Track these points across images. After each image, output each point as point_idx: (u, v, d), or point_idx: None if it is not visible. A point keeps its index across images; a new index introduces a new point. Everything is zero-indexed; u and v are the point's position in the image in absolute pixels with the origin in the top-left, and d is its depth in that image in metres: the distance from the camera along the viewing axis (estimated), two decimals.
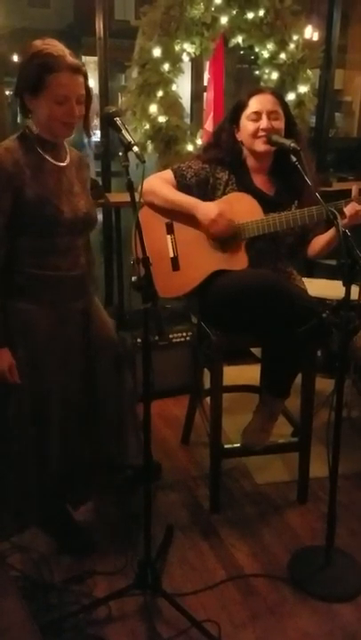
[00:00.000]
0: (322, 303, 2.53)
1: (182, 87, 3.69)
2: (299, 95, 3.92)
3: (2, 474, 1.85)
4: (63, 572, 1.99)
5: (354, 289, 1.82)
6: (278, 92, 2.30)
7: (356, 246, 1.78)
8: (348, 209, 2.05)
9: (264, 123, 2.17)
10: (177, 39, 3.46)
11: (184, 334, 3.20)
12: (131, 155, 1.65)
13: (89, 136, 1.89)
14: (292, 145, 2.05)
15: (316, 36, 4.23)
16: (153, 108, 3.47)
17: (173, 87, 3.53)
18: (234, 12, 3.62)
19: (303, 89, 3.92)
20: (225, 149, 2.28)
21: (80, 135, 1.91)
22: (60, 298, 1.84)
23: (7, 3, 5.82)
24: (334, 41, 4.23)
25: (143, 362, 1.71)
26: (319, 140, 4.41)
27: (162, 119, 3.49)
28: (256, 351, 3.25)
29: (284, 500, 2.42)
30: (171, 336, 3.15)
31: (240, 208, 2.18)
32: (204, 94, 3.79)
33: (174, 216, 2.24)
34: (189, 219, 2.21)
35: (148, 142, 3.56)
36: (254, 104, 2.20)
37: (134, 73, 3.51)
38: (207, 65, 3.74)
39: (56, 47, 1.71)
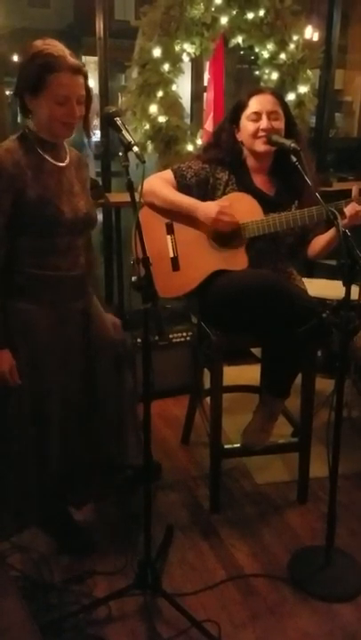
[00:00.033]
0: (322, 303, 2.53)
1: (182, 87, 3.69)
2: (299, 95, 3.93)
3: (2, 474, 1.85)
4: (63, 572, 1.99)
5: (354, 289, 1.82)
6: (278, 93, 2.30)
7: (357, 246, 1.78)
8: (349, 209, 2.05)
9: (264, 123, 2.17)
10: (177, 39, 3.46)
11: (184, 334, 3.20)
12: (131, 155, 1.65)
13: (89, 137, 1.89)
14: (293, 145, 2.05)
15: (316, 37, 4.23)
16: (153, 108, 3.47)
17: (173, 87, 3.53)
18: (234, 13, 3.62)
19: (303, 89, 3.92)
20: (225, 149, 2.28)
21: (80, 135, 1.91)
22: (60, 298, 1.84)
23: (7, 3, 5.83)
24: (334, 41, 4.23)
25: (143, 362, 1.71)
26: (319, 140, 4.41)
27: (162, 119, 3.49)
28: (256, 351, 3.25)
29: (284, 499, 2.42)
30: (171, 336, 3.15)
31: (240, 208, 2.18)
32: (204, 94, 3.79)
33: (174, 216, 2.24)
34: (189, 219, 2.22)
35: (148, 142, 3.56)
36: (254, 104, 2.20)
37: (134, 73, 3.51)
38: (207, 65, 3.74)
39: (57, 47, 1.71)
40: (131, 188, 1.64)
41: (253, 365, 3.03)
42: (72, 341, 1.90)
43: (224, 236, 2.21)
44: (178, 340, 3.19)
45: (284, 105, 2.24)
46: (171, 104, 3.51)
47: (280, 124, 2.19)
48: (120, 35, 4.70)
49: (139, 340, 2.86)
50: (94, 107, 1.87)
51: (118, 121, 1.68)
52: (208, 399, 2.37)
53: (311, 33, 4.06)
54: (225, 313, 2.18)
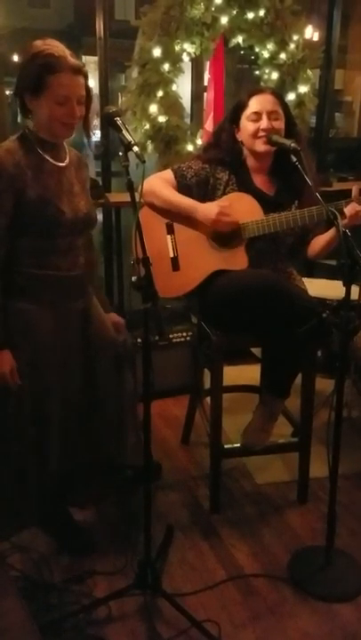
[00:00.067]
0: (322, 303, 2.53)
1: (182, 87, 3.69)
2: (299, 95, 3.93)
3: (2, 474, 1.85)
4: (63, 572, 1.99)
5: (354, 289, 1.82)
6: (278, 92, 2.30)
7: (357, 246, 1.78)
8: (349, 209, 2.05)
9: (264, 123, 2.17)
10: (177, 39, 3.46)
11: (184, 334, 3.20)
12: (131, 155, 1.65)
13: (89, 137, 1.89)
14: (293, 145, 2.05)
15: (316, 36, 4.23)
16: (153, 108, 3.47)
17: (173, 87, 3.53)
18: (234, 12, 3.62)
19: (303, 89, 3.92)
20: (225, 149, 2.28)
21: (80, 135, 1.91)
22: (61, 298, 1.84)
23: (7, 3, 5.82)
24: (334, 41, 4.23)
25: (143, 362, 1.71)
26: (319, 140, 4.41)
27: (162, 119, 3.49)
28: (256, 351, 3.25)
29: (284, 499, 2.42)
30: (171, 336, 3.15)
31: (240, 208, 2.18)
32: (205, 94, 3.79)
33: (174, 216, 2.24)
34: (189, 219, 2.22)
35: (148, 142, 3.56)
36: (254, 104, 2.20)
37: (134, 73, 3.51)
38: (207, 65, 3.75)
39: (57, 48, 1.71)
40: (131, 187, 1.64)
41: (253, 365, 3.03)
42: (72, 341, 1.90)
43: (224, 235, 2.21)
44: (178, 339, 3.19)
45: (284, 105, 2.24)
46: (171, 104, 3.51)
47: (280, 124, 2.19)
48: (120, 35, 4.69)
49: (139, 340, 2.86)
50: (94, 107, 1.87)
51: (118, 121, 1.68)
52: (208, 399, 2.37)
53: (311, 33, 4.06)
54: (225, 313, 2.18)
